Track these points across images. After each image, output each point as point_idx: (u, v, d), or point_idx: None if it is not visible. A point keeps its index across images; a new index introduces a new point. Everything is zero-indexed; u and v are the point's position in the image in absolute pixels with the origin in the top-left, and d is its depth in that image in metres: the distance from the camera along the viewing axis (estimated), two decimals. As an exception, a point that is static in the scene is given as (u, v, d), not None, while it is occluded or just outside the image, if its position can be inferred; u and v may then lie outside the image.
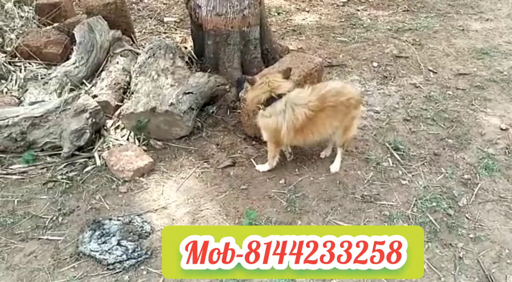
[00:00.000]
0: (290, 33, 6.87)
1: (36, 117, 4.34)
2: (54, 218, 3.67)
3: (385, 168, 4.16)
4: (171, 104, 4.33)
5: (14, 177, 4.09)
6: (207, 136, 4.57)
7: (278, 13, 7.59)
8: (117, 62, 5.30)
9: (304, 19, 7.38)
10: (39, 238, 3.50)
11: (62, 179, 4.04)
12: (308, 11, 7.70)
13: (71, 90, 5.10)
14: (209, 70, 5.27)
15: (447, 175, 4.07)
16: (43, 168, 4.19)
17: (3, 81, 5.33)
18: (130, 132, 4.49)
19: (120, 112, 4.50)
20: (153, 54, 5.06)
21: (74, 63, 5.31)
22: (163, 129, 4.43)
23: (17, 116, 4.32)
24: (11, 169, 4.19)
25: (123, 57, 5.41)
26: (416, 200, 3.80)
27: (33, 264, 3.29)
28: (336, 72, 5.71)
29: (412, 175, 4.08)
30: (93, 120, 4.37)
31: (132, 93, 4.59)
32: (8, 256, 3.35)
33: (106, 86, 4.91)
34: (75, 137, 4.27)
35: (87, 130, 4.30)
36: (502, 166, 4.17)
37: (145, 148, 4.40)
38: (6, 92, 5.15)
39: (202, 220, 3.64)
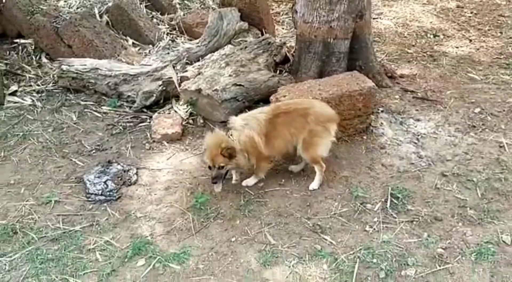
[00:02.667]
0: (423, 58, 6.43)
1: (130, 75, 5.58)
2: (91, 150, 4.83)
3: (363, 209, 3.90)
4: (215, 90, 4.95)
5: (97, 114, 5.44)
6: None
7: (434, 36, 7.09)
8: (223, 49, 6.12)
9: (456, 47, 6.73)
10: (71, 159, 4.70)
11: (119, 125, 5.18)
12: (470, 41, 6.94)
13: (186, 64, 6.18)
14: (288, 73, 5.62)
15: (419, 242, 3.59)
16: (117, 113, 5.42)
17: (150, 45, 6.79)
18: (188, 105, 5.31)
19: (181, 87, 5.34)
20: (245, 47, 5.70)
21: (197, 43, 6.38)
22: (208, 110, 5.10)
23: (119, 71, 5.64)
24: (100, 108, 5.56)
25: (231, 45, 6.20)
26: (359, 251, 3.53)
27: (54, 175, 4.50)
28: (420, 106, 5.23)
29: (384, 227, 3.73)
30: (163, 88, 5.36)
31: (199, 73, 5.36)
32: (44, 164, 4.65)
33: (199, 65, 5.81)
34: (144, 97, 5.34)
35: (154, 95, 5.33)
36: None
37: (191, 121, 5.17)
38: (145, 54, 6.58)
39: (173, 188, 4.24)
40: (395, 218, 3.83)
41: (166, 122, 5.01)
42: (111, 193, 4.24)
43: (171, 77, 5.38)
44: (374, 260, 3.46)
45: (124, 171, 4.49)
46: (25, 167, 4.61)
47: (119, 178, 4.41)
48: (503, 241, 3.58)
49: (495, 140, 4.67)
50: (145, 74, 5.55)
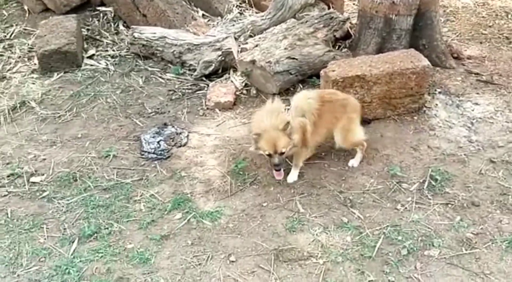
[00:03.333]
0: (498, 39, 6.07)
1: (194, 44, 5.88)
2: (151, 113, 5.22)
3: (398, 188, 3.91)
4: (268, 62, 5.09)
5: (161, 80, 5.82)
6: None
7: (517, 17, 6.64)
8: (286, 22, 6.20)
9: (539, 29, 6.27)
10: (133, 119, 5.12)
11: (179, 91, 5.53)
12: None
13: (250, 36, 6.37)
14: (348, 49, 5.61)
15: (449, 225, 3.54)
16: (179, 80, 5.76)
17: (219, 17, 7.05)
18: (243, 76, 5.51)
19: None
20: (306, 21, 5.76)
21: (262, 16, 6.53)
22: (261, 82, 5.27)
23: (184, 40, 5.96)
24: (165, 74, 5.94)
25: (294, 19, 6.26)
26: (385, 227, 3.58)
27: (116, 132, 4.94)
28: (482, 90, 5.00)
29: (416, 207, 3.72)
30: (223, 58, 5.60)
31: (256, 46, 5.51)
32: (109, 122, 5.11)
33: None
34: (204, 66, 5.63)
35: (213, 64, 5.59)
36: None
37: (245, 91, 5.38)
38: (213, 25, 6.85)
39: (218, 152, 4.51)
40: (430, 199, 3.80)
41: (220, 91, 5.27)
42: (162, 152, 4.60)
43: (230, 48, 5.60)
44: (399, 238, 3.50)
45: (177, 133, 4.83)
46: (92, 123, 5.10)
47: (171, 139, 4.76)
48: (541, 233, 3.44)
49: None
50: (207, 45, 5.82)
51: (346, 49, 5.76)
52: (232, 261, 3.44)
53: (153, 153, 4.61)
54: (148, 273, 3.38)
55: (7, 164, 4.55)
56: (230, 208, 3.90)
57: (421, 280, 3.20)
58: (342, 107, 4.07)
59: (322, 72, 4.68)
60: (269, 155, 3.80)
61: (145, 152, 4.64)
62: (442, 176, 3.97)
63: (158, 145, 4.68)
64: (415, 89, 4.60)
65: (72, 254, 3.57)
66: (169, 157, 4.56)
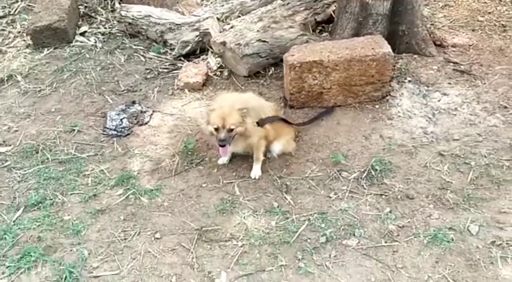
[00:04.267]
0: (492, 27, 5.79)
1: (176, 24, 5.98)
2: (123, 90, 5.38)
3: (337, 177, 3.92)
4: (238, 44, 5.12)
5: (142, 58, 5.96)
6: (261, 84, 5.15)
7: (521, 3, 6.31)
8: (271, 4, 6.17)
9: (541, 18, 5.94)
10: (105, 96, 5.30)
11: (156, 70, 5.66)
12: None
13: (238, 17, 6.40)
14: (329, 33, 5.55)
15: (376, 216, 3.54)
16: (158, 59, 5.89)
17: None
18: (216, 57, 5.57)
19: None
20: (287, 3, 5.72)
21: (252, -3, 6.53)
22: (233, 64, 5.31)
23: (167, 19, 6.06)
24: (148, 53, 6.08)
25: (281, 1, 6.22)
26: (312, 214, 3.60)
27: (87, 108, 5.15)
28: (456, 80, 4.81)
29: (349, 196, 3.72)
30: (200, 39, 5.67)
31: (232, 27, 5.54)
32: (83, 98, 5.32)
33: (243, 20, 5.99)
34: (181, 46, 5.73)
35: (191, 44, 5.68)
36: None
37: (218, 73, 5.44)
38: (204, 5, 6.90)
39: (175, 132, 4.64)
40: (365, 189, 3.79)
41: (192, 71, 5.36)
42: (122, 130, 4.77)
43: (208, 29, 5.66)
44: (323, 225, 3.53)
45: (141, 112, 4.98)
46: (67, 99, 5.33)
47: (135, 118, 4.91)
48: (468, 230, 3.37)
49: (528, 126, 4.22)
50: (188, 24, 5.91)
51: (326, 34, 5.71)
52: (157, 238, 3.59)
53: (114, 130, 4.79)
54: (75, 244, 3.58)
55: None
56: (170, 187, 4.03)
57: (332, 269, 3.23)
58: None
59: (284, 57, 4.68)
60: (217, 129, 3.73)
61: (107, 128, 4.82)
62: (384, 167, 3.93)
63: (121, 122, 4.85)
64: (376, 77, 4.53)
65: (14, 221, 3.83)
66: (128, 134, 4.72)
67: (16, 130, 4.93)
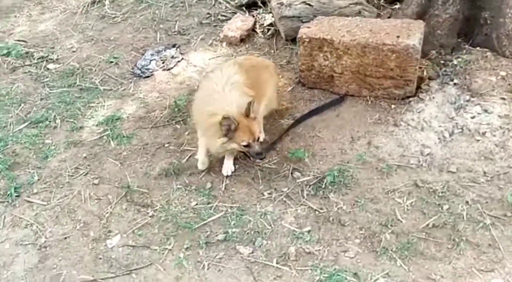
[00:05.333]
0: None
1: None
2: (174, 31, 5.46)
3: (286, 176, 3.50)
4: (280, 3, 4.72)
5: (212, 2, 5.89)
6: (296, 52, 4.67)
7: None
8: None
9: None
10: (157, 34, 5.47)
11: (214, 17, 5.57)
12: None
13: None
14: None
15: (294, 234, 3.13)
16: (225, 5, 5.75)
17: None
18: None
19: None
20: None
21: None
22: (278, 23, 4.92)
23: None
24: (222, -3, 5.99)
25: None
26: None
27: (136, 42, 5.42)
28: None
29: (280, 201, 3.31)
30: (262, -10, 5.35)
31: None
32: (141, 31, 5.57)
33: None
34: (244, -5, 5.50)
35: (252, -5, 5.40)
36: None
37: (266, 30, 5.12)
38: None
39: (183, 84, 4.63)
40: (303, 198, 3.32)
41: (236, 25, 5.14)
42: (146, 71, 4.93)
43: (271, -19, 5.28)
44: (233, 222, 3.26)
45: (172, 57, 5.05)
46: (128, 30, 5.65)
47: (162, 61, 5.01)
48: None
49: None
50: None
51: (399, 5, 4.82)
52: (95, 184, 3.75)
53: (139, 69, 4.98)
54: (36, 168, 3.97)
55: (41, 47, 5.54)
56: (140, 138, 4.10)
57: (206, 270, 3.00)
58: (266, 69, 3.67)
59: (301, 26, 4.16)
60: (247, 145, 3.29)
61: (136, 66, 5.04)
62: (342, 180, 3.36)
63: (149, 63, 5.01)
64: (396, 71, 3.75)
65: (13, 133, 4.37)
66: (148, 76, 4.87)
67: (74, 51, 5.48)
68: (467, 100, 3.77)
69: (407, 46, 3.61)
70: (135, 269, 3.10)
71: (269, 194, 3.42)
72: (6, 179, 3.90)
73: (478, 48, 4.25)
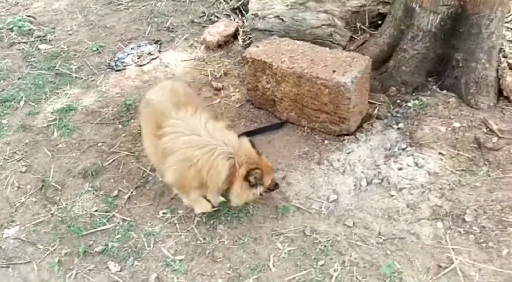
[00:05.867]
0: None
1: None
2: (164, 27, 5.49)
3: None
4: (255, 14, 4.59)
5: (213, 0, 5.84)
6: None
7: None
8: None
9: None
10: (148, 28, 5.53)
11: (207, 16, 5.54)
12: None
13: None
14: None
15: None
16: (223, 6, 5.68)
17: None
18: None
19: None
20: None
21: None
22: (253, 34, 4.80)
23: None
24: (224, -4, 5.91)
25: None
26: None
27: (127, 32, 5.52)
28: (464, 151, 3.33)
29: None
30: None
31: None
32: (136, 23, 5.66)
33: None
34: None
35: None
36: None
37: (247, 38, 5.01)
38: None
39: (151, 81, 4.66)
40: (170, 214, 3.24)
41: (218, 29, 5.06)
42: (119, 64, 5.01)
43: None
44: (117, 237, 3.27)
45: (148, 54, 5.09)
46: (125, 20, 5.76)
47: (138, 57, 5.06)
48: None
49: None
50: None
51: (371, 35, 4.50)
52: (22, 172, 3.90)
53: (114, 62, 5.07)
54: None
55: (45, 25, 5.79)
56: (81, 132, 4.18)
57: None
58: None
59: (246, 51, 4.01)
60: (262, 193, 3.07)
61: (114, 57, 5.13)
62: (236, 213, 3.24)
63: (125, 56, 5.08)
64: (330, 107, 3.52)
65: (-20, 108, 4.68)
66: (119, 70, 4.95)
67: (70, 34, 5.68)
68: (403, 149, 3.47)
69: (338, 83, 3.36)
70: (14, 264, 3.22)
71: (164, 213, 3.38)
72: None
73: (445, 91, 3.90)
